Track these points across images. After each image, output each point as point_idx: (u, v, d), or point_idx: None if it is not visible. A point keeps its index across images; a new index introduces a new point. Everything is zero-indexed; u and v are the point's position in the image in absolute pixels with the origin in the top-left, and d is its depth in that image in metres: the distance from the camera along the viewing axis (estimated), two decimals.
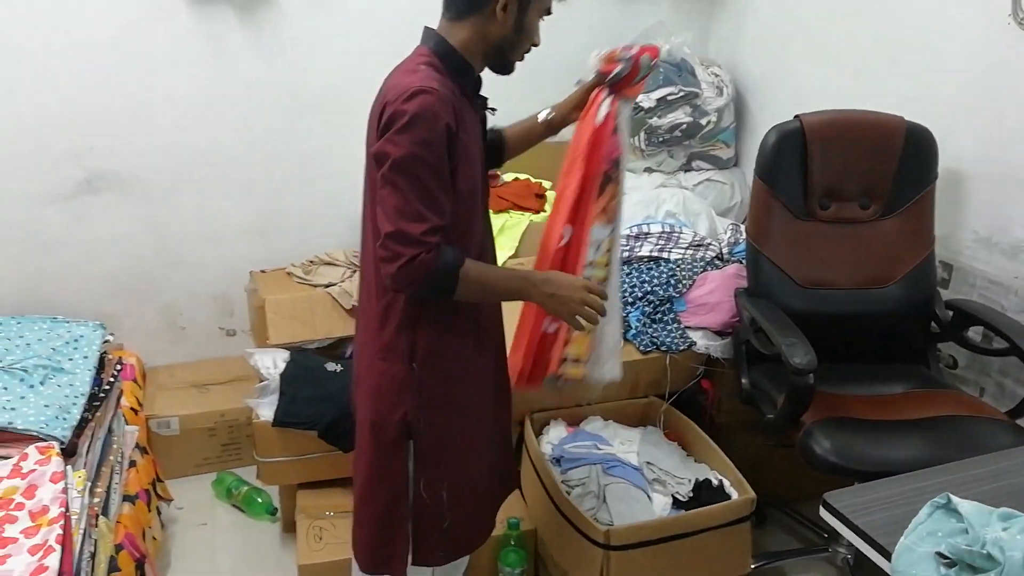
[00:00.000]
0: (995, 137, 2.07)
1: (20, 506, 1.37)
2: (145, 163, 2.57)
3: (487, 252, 1.55)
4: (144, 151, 2.56)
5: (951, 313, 2.10)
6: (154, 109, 2.53)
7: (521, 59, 1.46)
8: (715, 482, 1.92)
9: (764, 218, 2.13)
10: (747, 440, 2.29)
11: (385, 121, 1.32)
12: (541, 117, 1.64)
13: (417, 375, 1.45)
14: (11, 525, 1.33)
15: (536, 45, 1.45)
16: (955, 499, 1.19)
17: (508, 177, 2.82)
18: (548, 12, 1.45)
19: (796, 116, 2.12)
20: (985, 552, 1.07)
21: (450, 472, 1.53)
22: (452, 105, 1.33)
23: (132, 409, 2.32)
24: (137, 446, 2.16)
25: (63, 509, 1.37)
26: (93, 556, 1.45)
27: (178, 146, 2.59)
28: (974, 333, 2.10)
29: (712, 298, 2.25)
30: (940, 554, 1.12)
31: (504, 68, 1.45)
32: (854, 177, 2.12)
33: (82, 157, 2.50)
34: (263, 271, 2.73)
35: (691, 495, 1.89)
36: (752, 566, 2.12)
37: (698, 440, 2.09)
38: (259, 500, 2.40)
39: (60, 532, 1.31)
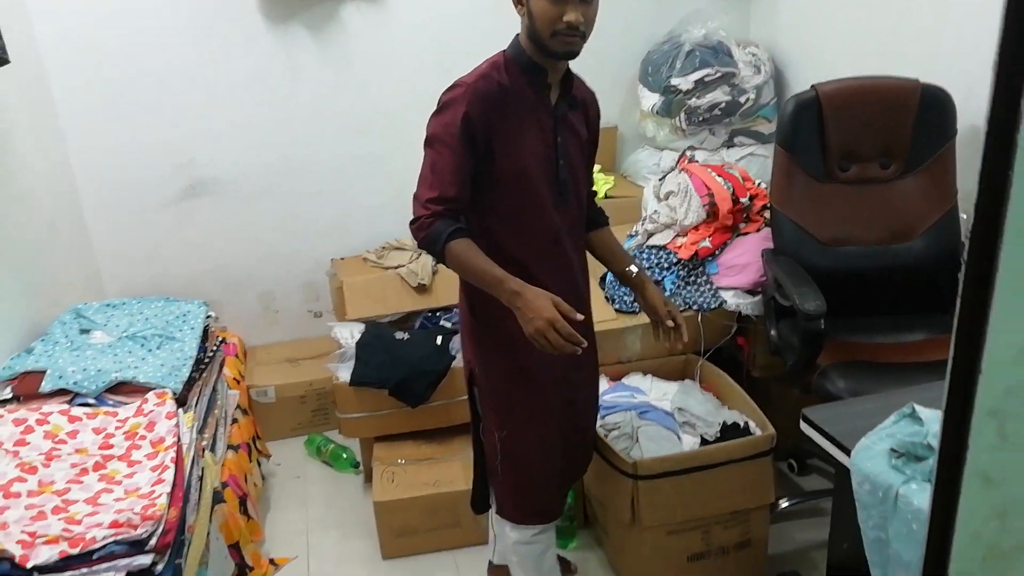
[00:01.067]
0: None
1: (143, 437, 1.71)
2: (237, 171, 2.97)
3: (562, 240, 1.63)
4: (236, 161, 2.95)
5: None
6: (244, 124, 2.91)
7: (559, 44, 1.48)
8: (741, 424, 2.09)
9: (785, 183, 2.27)
10: (784, 392, 2.43)
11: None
12: (632, 269, 1.76)
13: (476, 325, 1.69)
14: (137, 451, 1.68)
15: (566, 25, 1.45)
16: (919, 408, 1.34)
17: None
18: None
19: (812, 86, 2.26)
20: (926, 443, 1.23)
21: (508, 423, 1.68)
22: (488, 97, 1.50)
23: (235, 379, 2.68)
24: (239, 407, 2.52)
25: (175, 439, 1.70)
26: (201, 480, 1.78)
27: (262, 153, 2.96)
28: None
29: (742, 260, 2.40)
30: (893, 449, 1.28)
31: (550, 54, 1.51)
32: (871, 138, 2.23)
33: (185, 168, 2.91)
34: (342, 259, 3.07)
35: (718, 436, 2.06)
36: (785, 503, 2.29)
37: (730, 390, 2.26)
38: (344, 456, 2.73)
39: (174, 455, 1.64)
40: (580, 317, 1.41)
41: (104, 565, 1.32)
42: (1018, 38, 0.53)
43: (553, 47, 1.50)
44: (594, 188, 1.91)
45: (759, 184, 2.60)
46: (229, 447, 2.29)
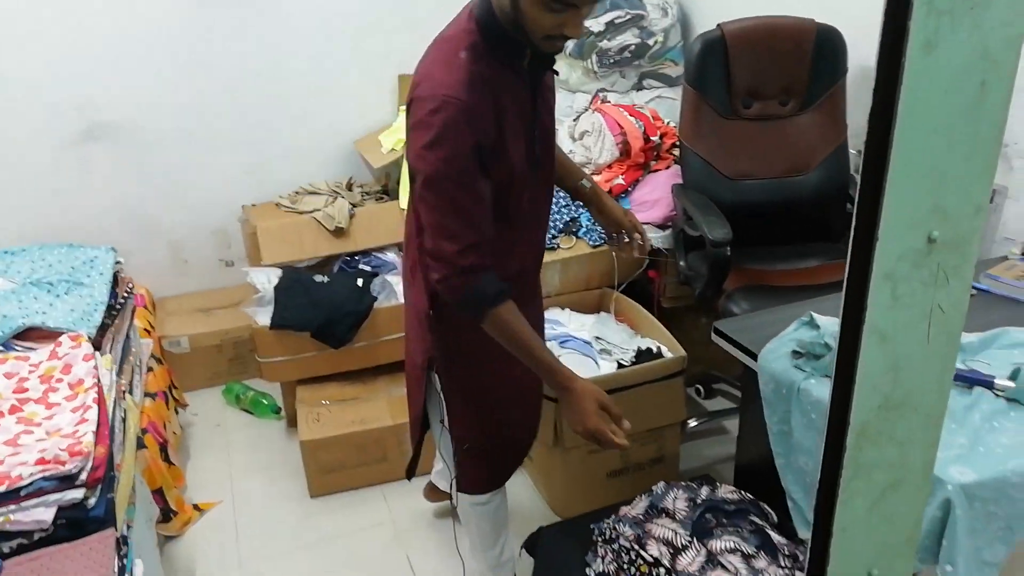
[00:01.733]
0: None
1: (59, 380, 1.66)
2: (140, 114, 2.83)
3: (536, 201, 1.51)
4: (138, 103, 2.81)
5: None
6: (145, 61, 2.76)
7: (549, 46, 1.31)
8: (654, 349, 2.21)
9: (694, 120, 2.38)
10: (692, 321, 2.59)
11: (413, 122, 1.30)
12: (585, 183, 1.69)
13: (437, 314, 1.52)
14: (54, 394, 1.62)
15: (562, 37, 1.28)
16: (817, 316, 1.48)
17: None
18: (561, 5, 1.21)
19: (718, 25, 2.36)
20: (824, 342, 1.35)
21: (482, 404, 1.60)
22: (485, 110, 1.28)
23: (145, 330, 2.61)
24: (153, 356, 2.45)
25: (95, 381, 1.66)
26: (124, 422, 1.75)
27: (169, 95, 2.83)
28: None
29: (653, 196, 2.51)
30: (794, 351, 1.41)
31: (535, 52, 1.32)
32: (773, 77, 2.36)
33: (83, 109, 2.75)
34: (254, 205, 3.00)
35: (633, 360, 2.18)
36: (694, 422, 2.45)
37: (643, 319, 2.38)
38: (264, 402, 2.71)
39: (95, 395, 1.60)
40: (627, 425, 1.34)
41: (34, 501, 1.29)
42: None
43: (542, 48, 1.31)
44: None
45: (668, 123, 2.70)
46: (146, 395, 2.24)
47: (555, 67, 1.45)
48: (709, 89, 2.36)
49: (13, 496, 1.29)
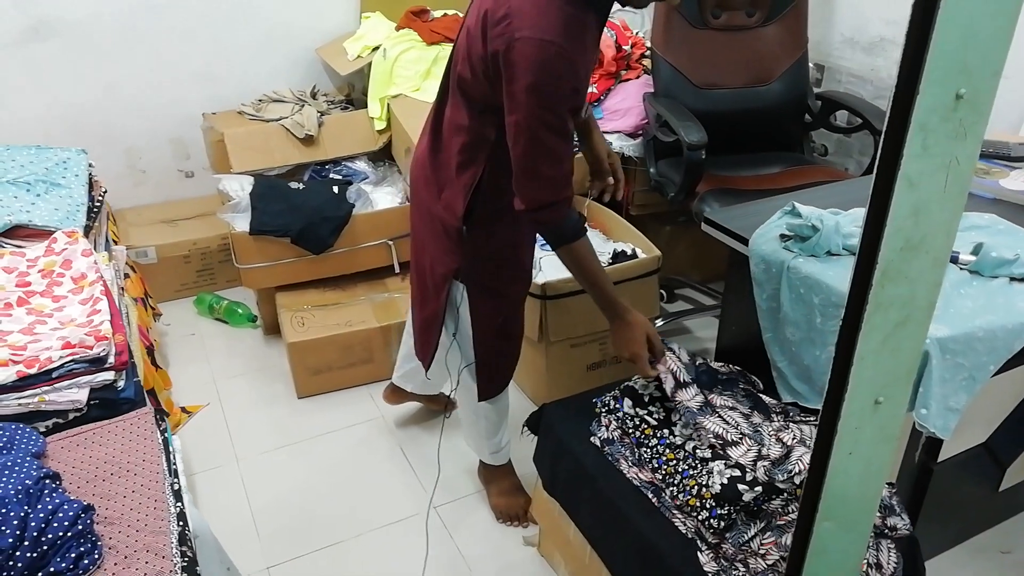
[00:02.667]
0: None
1: (61, 275, 1.65)
2: (89, 11, 2.69)
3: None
4: (86, 0, 2.67)
5: (820, 103, 2.50)
6: None
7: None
8: (629, 251, 2.33)
9: (666, 28, 2.44)
10: (658, 228, 2.71)
11: (504, 58, 1.29)
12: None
13: (468, 235, 1.58)
14: (58, 288, 1.62)
15: None
16: (799, 206, 1.60)
17: (438, 13, 3.03)
18: None
19: None
20: (810, 224, 1.49)
21: (503, 308, 1.71)
22: (580, 55, 1.30)
23: (112, 240, 2.56)
24: (127, 263, 2.42)
25: (99, 275, 1.66)
26: (127, 316, 1.76)
27: None
28: (839, 120, 2.52)
29: (624, 104, 2.58)
30: (782, 235, 1.54)
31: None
32: None
33: (21, 4, 2.60)
34: (214, 113, 2.93)
35: (610, 261, 2.29)
36: (660, 323, 2.61)
37: (616, 224, 2.48)
38: (239, 311, 2.72)
39: (102, 288, 1.60)
40: (667, 361, 1.46)
41: (66, 383, 1.32)
42: None
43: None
44: None
45: (637, 34, 2.75)
46: (128, 296, 2.22)
47: None
48: None
49: (45, 378, 1.31)
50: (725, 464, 1.28)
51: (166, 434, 1.37)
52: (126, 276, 2.35)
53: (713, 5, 2.45)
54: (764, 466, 1.28)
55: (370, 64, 2.78)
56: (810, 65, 2.56)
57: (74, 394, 1.32)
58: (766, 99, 2.51)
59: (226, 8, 2.87)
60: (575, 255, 1.48)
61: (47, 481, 1.09)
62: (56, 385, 1.31)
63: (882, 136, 0.83)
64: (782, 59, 2.50)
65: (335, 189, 2.55)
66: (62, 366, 1.33)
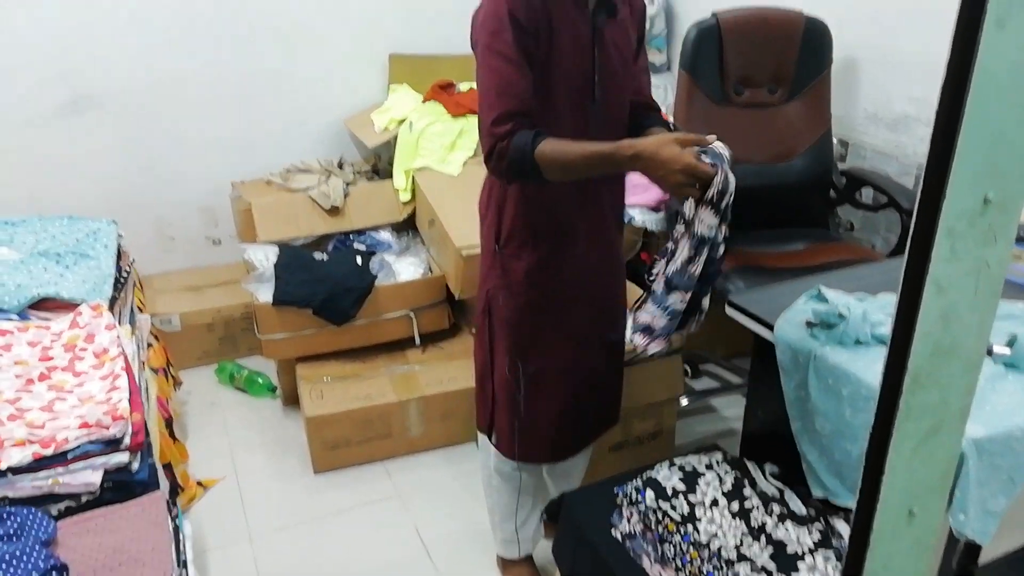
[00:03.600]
0: (880, 27, 2.43)
1: (84, 349, 1.66)
2: (126, 85, 2.79)
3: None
4: (125, 74, 2.78)
5: (844, 180, 2.49)
6: (132, 32, 2.74)
7: None
8: None
9: (688, 104, 2.46)
10: None
11: (473, 23, 1.42)
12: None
13: (500, 255, 1.56)
14: (80, 362, 1.63)
15: None
16: (824, 290, 1.57)
17: (464, 87, 3.10)
18: None
19: (713, 14, 2.44)
20: (838, 312, 1.45)
21: (531, 358, 1.59)
22: (534, 5, 1.34)
23: (137, 308, 2.59)
24: (151, 332, 2.44)
25: (120, 350, 1.66)
26: (147, 391, 1.76)
27: (155, 69, 2.81)
28: (865, 197, 2.50)
29: (646, 179, 2.58)
30: (808, 321, 1.50)
31: None
32: (763, 66, 2.46)
33: (68, 78, 2.71)
34: (243, 182, 2.99)
35: None
36: (685, 401, 2.55)
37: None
38: (259, 381, 2.72)
39: (123, 364, 1.61)
40: (712, 138, 1.30)
41: (80, 464, 1.31)
42: None
43: None
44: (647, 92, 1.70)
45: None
46: (149, 368, 2.23)
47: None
48: (703, 75, 2.45)
49: (60, 459, 1.30)
50: (751, 568, 1.23)
51: (177, 520, 1.35)
52: (149, 346, 2.37)
53: (735, 82, 2.47)
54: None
55: (396, 136, 2.83)
56: (834, 141, 2.55)
57: (88, 476, 1.31)
58: (790, 175, 2.50)
59: (262, 81, 2.96)
60: (546, 155, 1.33)
61: (54, 574, 1.07)
62: (71, 467, 1.30)
63: (909, 241, 0.81)
64: (806, 135, 2.50)
65: (358, 260, 2.57)
66: (78, 447, 1.32)
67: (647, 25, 3.12)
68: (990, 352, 1.38)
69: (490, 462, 1.78)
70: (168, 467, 2.09)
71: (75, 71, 2.71)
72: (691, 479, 1.61)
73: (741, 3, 2.55)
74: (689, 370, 2.81)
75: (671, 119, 2.71)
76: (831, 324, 1.45)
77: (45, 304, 1.82)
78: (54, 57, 2.67)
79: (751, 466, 1.63)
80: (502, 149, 1.34)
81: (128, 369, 1.59)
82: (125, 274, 2.17)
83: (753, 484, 1.53)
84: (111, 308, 1.95)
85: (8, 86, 2.64)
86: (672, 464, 1.67)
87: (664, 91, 3.21)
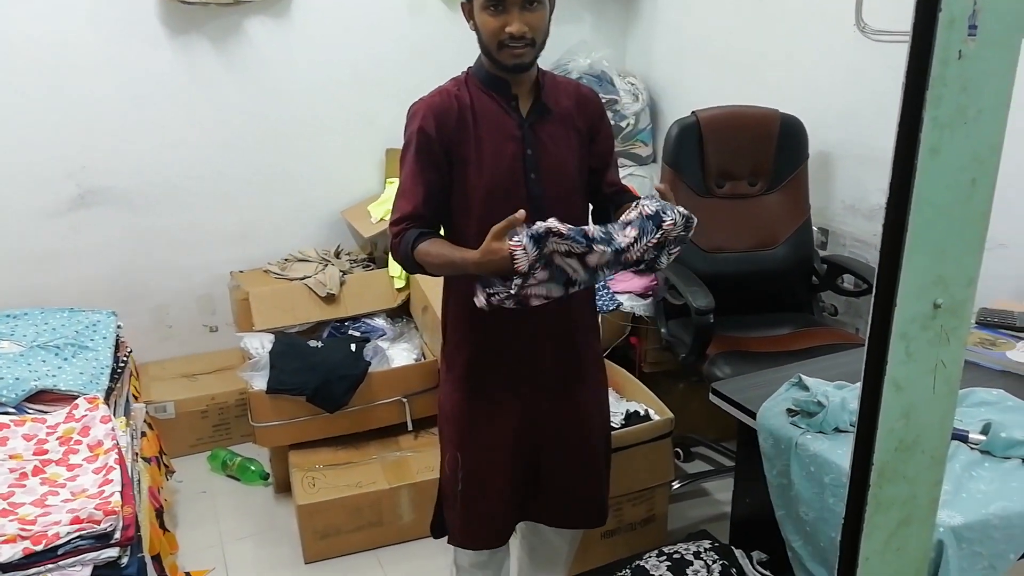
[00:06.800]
0: (854, 124, 2.55)
1: (78, 442, 1.68)
2: (132, 180, 2.89)
3: None
4: (131, 169, 2.88)
5: (826, 267, 2.57)
6: (140, 131, 2.85)
7: (508, 56, 1.46)
8: (642, 412, 2.32)
9: (672, 197, 2.56)
10: (671, 385, 2.72)
11: None
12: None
13: (445, 347, 1.67)
14: (74, 455, 1.65)
15: (509, 36, 1.43)
16: (805, 378, 1.62)
17: None
18: (494, 3, 1.43)
19: (692, 112, 2.57)
20: (816, 401, 1.49)
21: (461, 446, 1.65)
22: (445, 111, 1.50)
23: (132, 396, 2.61)
24: (145, 421, 2.46)
25: (115, 442, 1.69)
26: (139, 483, 1.77)
27: (161, 164, 2.91)
28: (847, 283, 2.57)
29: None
30: (789, 409, 1.54)
31: (501, 67, 1.49)
32: (742, 160, 2.58)
33: (76, 176, 2.81)
34: (242, 271, 3.06)
35: (623, 423, 2.28)
36: (677, 485, 2.55)
37: (628, 383, 2.50)
38: (252, 468, 2.71)
39: (116, 456, 1.63)
40: (520, 214, 1.32)
41: (70, 560, 1.31)
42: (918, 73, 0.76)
43: (502, 59, 1.47)
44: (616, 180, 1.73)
45: None
46: (142, 459, 2.24)
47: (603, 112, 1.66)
48: (685, 169, 2.56)
49: (51, 555, 1.31)
50: None
51: None
52: (143, 435, 2.38)
53: (716, 175, 2.58)
54: None
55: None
56: (814, 229, 2.64)
57: (77, 572, 1.32)
58: (772, 262, 2.58)
59: (263, 176, 3.07)
60: (422, 254, 1.47)
61: None
62: (60, 563, 1.31)
63: (866, 343, 0.87)
64: (786, 224, 2.59)
65: (352, 347, 2.61)
66: (69, 542, 1.33)
67: (632, 120, 3.28)
68: (966, 440, 1.42)
69: (454, 566, 1.79)
70: (157, 559, 2.07)
71: (84, 169, 2.81)
72: (679, 568, 1.61)
73: (720, 100, 2.70)
74: (681, 453, 2.82)
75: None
76: (811, 412, 1.49)
77: (43, 396, 1.85)
78: (65, 156, 2.77)
79: (739, 554, 1.64)
80: (394, 246, 1.53)
81: (121, 462, 1.61)
82: (122, 364, 2.21)
83: (741, 573, 1.54)
84: (107, 398, 1.99)
85: (18, 182, 2.74)
86: (661, 553, 1.68)
87: (650, 181, 3.33)
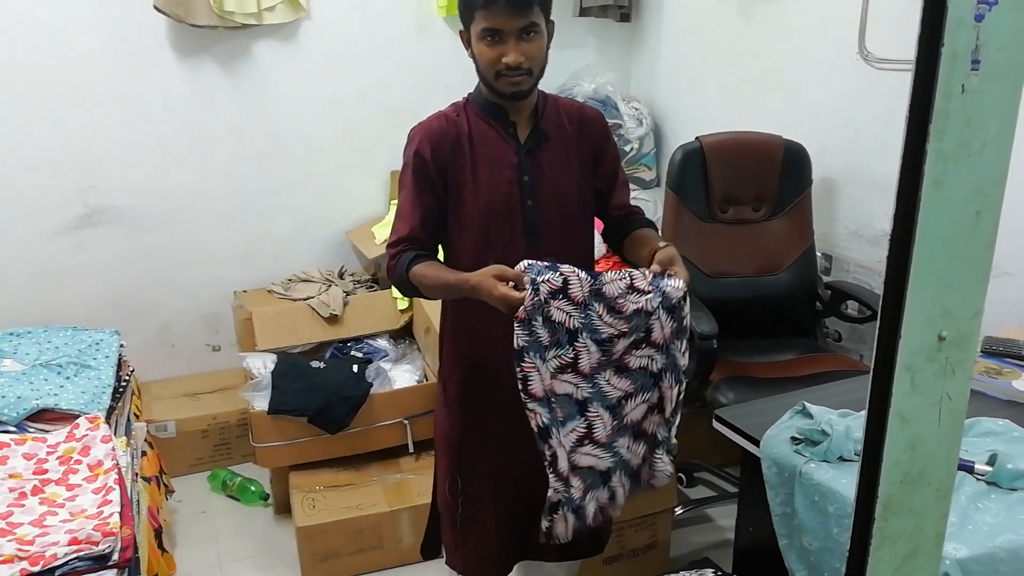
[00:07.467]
0: (857, 150, 2.56)
1: (78, 462, 1.68)
2: (139, 199, 2.91)
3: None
4: (139, 189, 2.90)
5: (830, 292, 2.56)
6: (148, 151, 2.87)
7: (505, 85, 1.47)
8: None
9: (676, 223, 2.57)
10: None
11: None
12: (661, 244, 1.60)
13: (441, 371, 1.70)
14: (74, 475, 1.64)
15: (506, 66, 1.44)
16: (809, 405, 1.61)
17: None
18: (491, 33, 1.44)
19: (696, 138, 2.59)
20: (820, 429, 1.48)
21: (459, 471, 1.64)
22: (442, 136, 1.51)
23: (133, 415, 2.61)
24: (145, 440, 2.45)
25: (115, 462, 1.68)
26: (138, 504, 1.76)
27: (168, 183, 2.93)
28: (851, 309, 2.57)
29: None
30: (793, 437, 1.53)
31: (499, 95, 1.51)
32: (746, 186, 2.58)
33: (84, 194, 2.83)
34: (245, 291, 3.07)
35: None
36: (680, 510, 2.53)
37: None
38: (252, 489, 2.70)
39: (116, 476, 1.62)
40: (520, 270, 1.33)
41: None
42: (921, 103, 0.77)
43: (500, 88, 1.48)
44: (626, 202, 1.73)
45: None
46: (142, 478, 2.23)
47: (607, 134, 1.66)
48: (689, 194, 2.57)
49: None
50: None
51: None
52: (143, 454, 2.37)
53: (720, 200, 2.59)
54: None
55: None
56: (818, 255, 2.64)
57: None
58: (776, 287, 2.58)
59: (269, 196, 3.08)
60: (417, 276, 1.49)
61: None
62: None
63: (871, 374, 0.86)
64: (790, 249, 2.59)
65: (354, 368, 2.61)
66: (66, 563, 1.32)
67: (636, 145, 3.30)
68: (971, 470, 1.41)
69: None
70: None
71: (92, 188, 2.83)
72: None
73: (723, 126, 2.71)
74: (684, 478, 2.80)
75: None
76: (815, 441, 1.48)
77: (44, 415, 1.85)
78: (74, 176, 2.79)
79: None
80: (390, 268, 1.55)
81: (121, 482, 1.61)
82: (124, 383, 2.21)
83: None
84: (108, 418, 1.98)
85: (28, 201, 2.76)
86: None
87: (654, 205, 3.34)
